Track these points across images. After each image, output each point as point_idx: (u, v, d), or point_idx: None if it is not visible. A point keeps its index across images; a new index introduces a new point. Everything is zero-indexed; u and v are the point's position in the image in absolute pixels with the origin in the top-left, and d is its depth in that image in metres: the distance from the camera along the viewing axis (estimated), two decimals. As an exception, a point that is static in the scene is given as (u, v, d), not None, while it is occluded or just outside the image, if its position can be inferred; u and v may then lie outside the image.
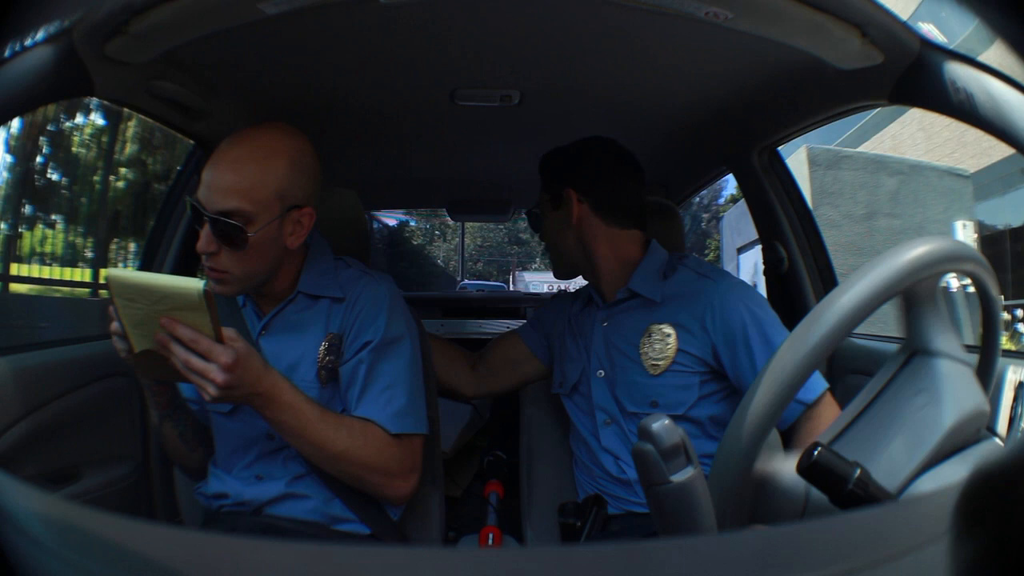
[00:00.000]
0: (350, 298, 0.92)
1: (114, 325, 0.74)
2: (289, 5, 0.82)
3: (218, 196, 0.81)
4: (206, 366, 0.71)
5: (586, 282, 1.17)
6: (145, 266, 1.27)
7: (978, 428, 0.52)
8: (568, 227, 1.06)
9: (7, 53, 0.70)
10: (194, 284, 0.68)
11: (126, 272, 0.71)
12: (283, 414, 0.79)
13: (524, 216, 1.47)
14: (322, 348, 0.90)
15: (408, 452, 0.89)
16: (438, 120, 1.33)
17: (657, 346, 0.99)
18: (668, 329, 0.99)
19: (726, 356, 0.95)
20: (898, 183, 7.09)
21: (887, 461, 0.50)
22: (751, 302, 0.97)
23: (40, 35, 0.76)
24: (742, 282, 1.03)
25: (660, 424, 0.48)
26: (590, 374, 1.05)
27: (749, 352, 0.93)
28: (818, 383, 0.92)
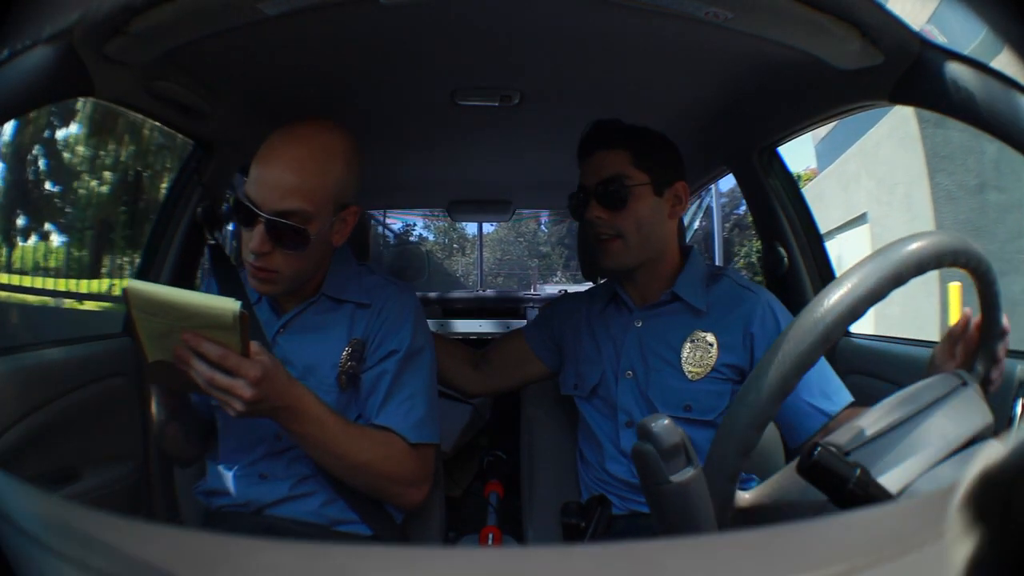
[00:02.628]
0: (376, 305, 0.92)
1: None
2: (289, 5, 0.82)
3: (278, 196, 0.80)
4: (233, 383, 0.70)
5: (590, 283, 1.16)
6: (144, 267, 1.27)
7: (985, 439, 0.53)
8: (663, 220, 1.02)
9: (7, 53, 0.70)
10: (229, 305, 0.66)
11: (148, 286, 0.68)
12: (308, 426, 0.79)
13: (544, 227, 1.41)
14: (345, 353, 0.90)
15: (424, 461, 0.90)
16: (438, 120, 1.33)
17: (699, 353, 0.98)
18: (711, 338, 0.98)
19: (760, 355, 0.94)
20: (997, 150, 6.28)
21: (893, 463, 0.50)
22: (780, 307, 0.98)
23: (40, 35, 0.76)
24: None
25: (660, 424, 0.48)
26: (616, 375, 1.03)
27: None
28: (842, 395, 0.92)
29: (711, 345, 0.98)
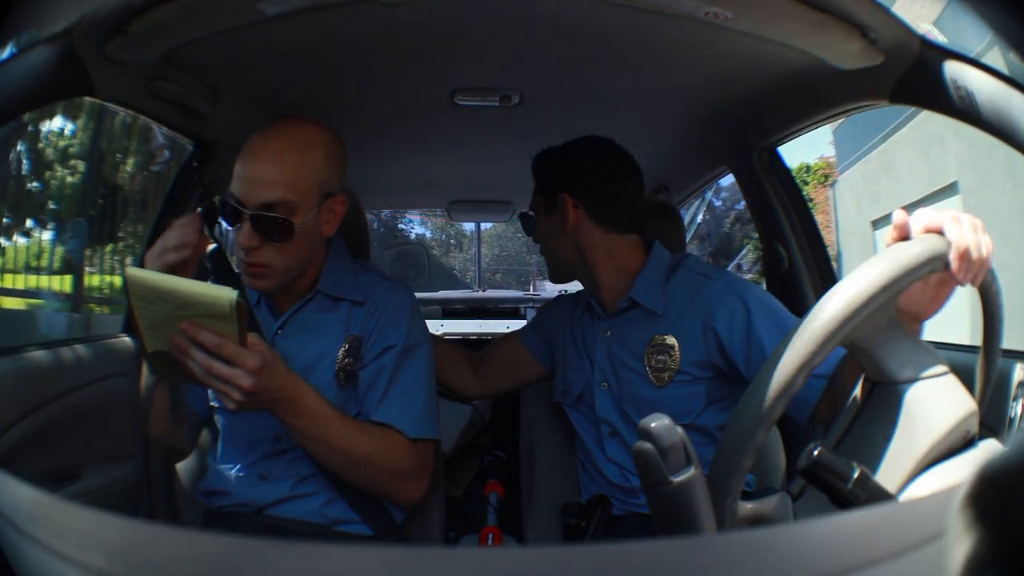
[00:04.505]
0: (371, 302, 0.92)
1: None
2: (289, 5, 0.82)
3: (260, 189, 0.81)
4: (232, 372, 0.69)
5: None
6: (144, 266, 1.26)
7: (967, 431, 0.52)
8: (563, 233, 1.03)
9: (7, 53, 0.70)
10: (225, 294, 0.65)
11: (148, 273, 0.68)
12: (307, 420, 0.79)
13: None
14: (342, 350, 0.90)
15: (423, 456, 0.89)
16: (438, 120, 1.33)
17: (661, 357, 0.96)
18: (671, 340, 0.96)
19: (738, 352, 0.90)
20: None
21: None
22: (750, 292, 0.93)
23: (40, 35, 0.76)
24: (742, 277, 1.00)
25: (660, 424, 0.48)
26: (594, 386, 1.03)
27: (759, 342, 0.88)
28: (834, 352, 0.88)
29: (672, 347, 0.95)
